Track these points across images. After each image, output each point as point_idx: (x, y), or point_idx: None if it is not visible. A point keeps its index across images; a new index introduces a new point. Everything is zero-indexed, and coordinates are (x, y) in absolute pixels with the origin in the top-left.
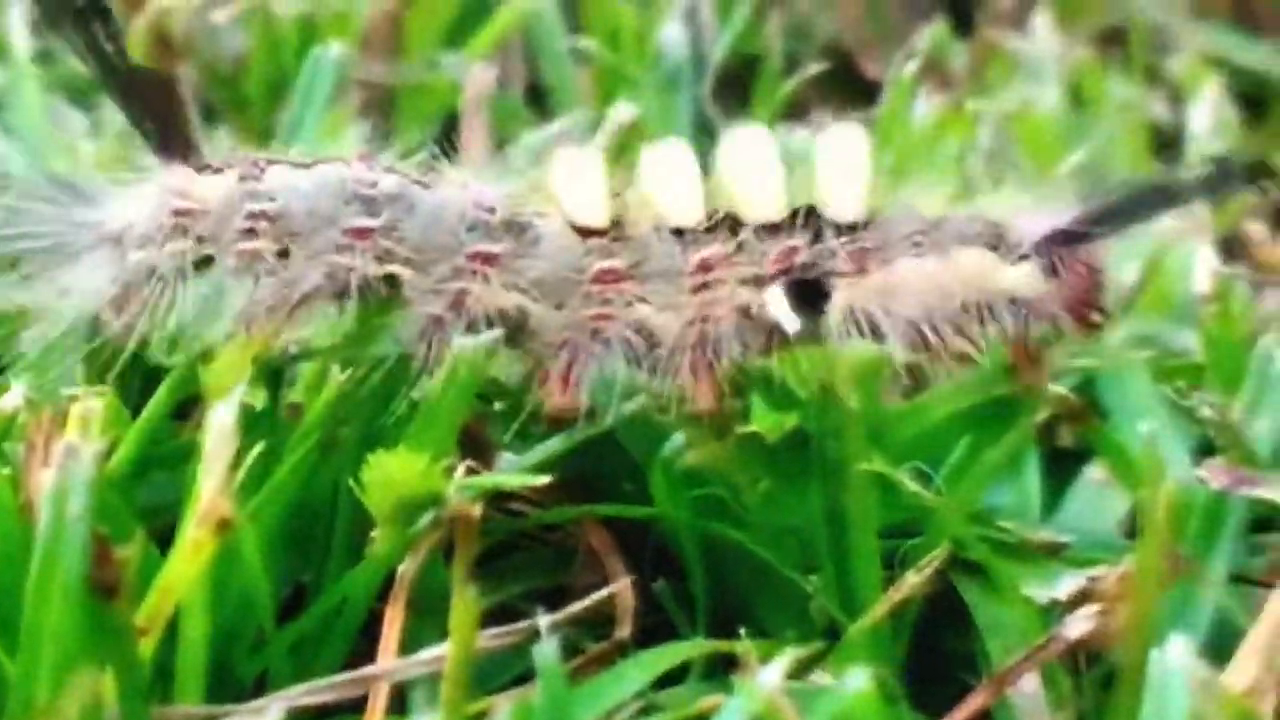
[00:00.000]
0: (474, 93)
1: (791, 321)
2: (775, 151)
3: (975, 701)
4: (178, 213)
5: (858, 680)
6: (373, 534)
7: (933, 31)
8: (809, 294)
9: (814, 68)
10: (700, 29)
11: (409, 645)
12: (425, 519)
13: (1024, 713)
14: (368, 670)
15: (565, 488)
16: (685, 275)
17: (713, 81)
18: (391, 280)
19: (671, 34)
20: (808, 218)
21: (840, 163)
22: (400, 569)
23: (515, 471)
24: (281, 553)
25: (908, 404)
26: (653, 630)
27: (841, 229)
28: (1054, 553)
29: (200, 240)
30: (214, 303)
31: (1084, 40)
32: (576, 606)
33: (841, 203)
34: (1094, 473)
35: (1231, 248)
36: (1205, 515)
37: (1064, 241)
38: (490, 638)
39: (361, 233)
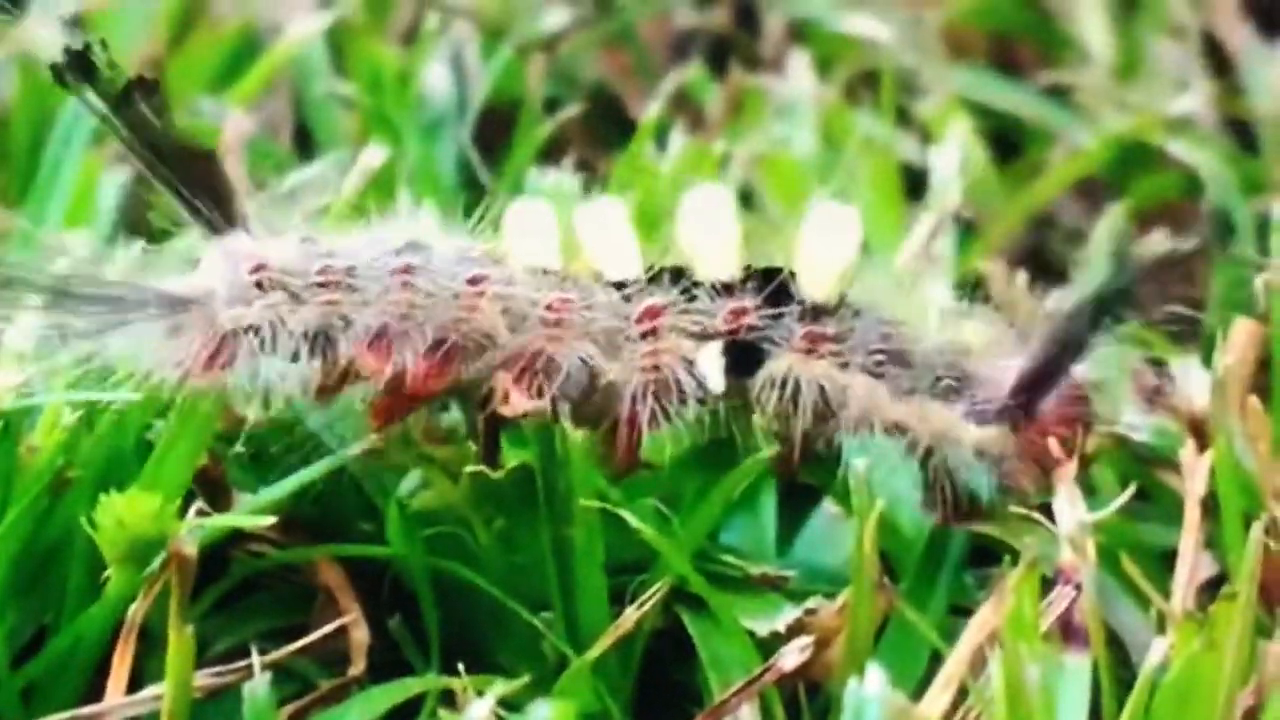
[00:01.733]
0: (232, 136)
1: (716, 382)
2: (731, 210)
3: None
4: (257, 269)
5: (543, 711)
6: (105, 574)
7: (689, 72)
8: (745, 358)
9: (574, 108)
10: (464, 72)
11: (143, 685)
12: (158, 560)
13: None
14: (87, 710)
15: (306, 528)
16: (630, 322)
17: (475, 124)
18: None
19: (435, 77)
20: (766, 283)
21: (824, 242)
22: (131, 609)
23: (248, 512)
24: (16, 595)
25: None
26: (390, 668)
27: (805, 308)
28: (776, 586)
29: (291, 296)
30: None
31: (839, 83)
32: (297, 644)
33: (814, 280)
34: (829, 508)
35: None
36: (927, 549)
37: (1028, 397)
38: (210, 676)
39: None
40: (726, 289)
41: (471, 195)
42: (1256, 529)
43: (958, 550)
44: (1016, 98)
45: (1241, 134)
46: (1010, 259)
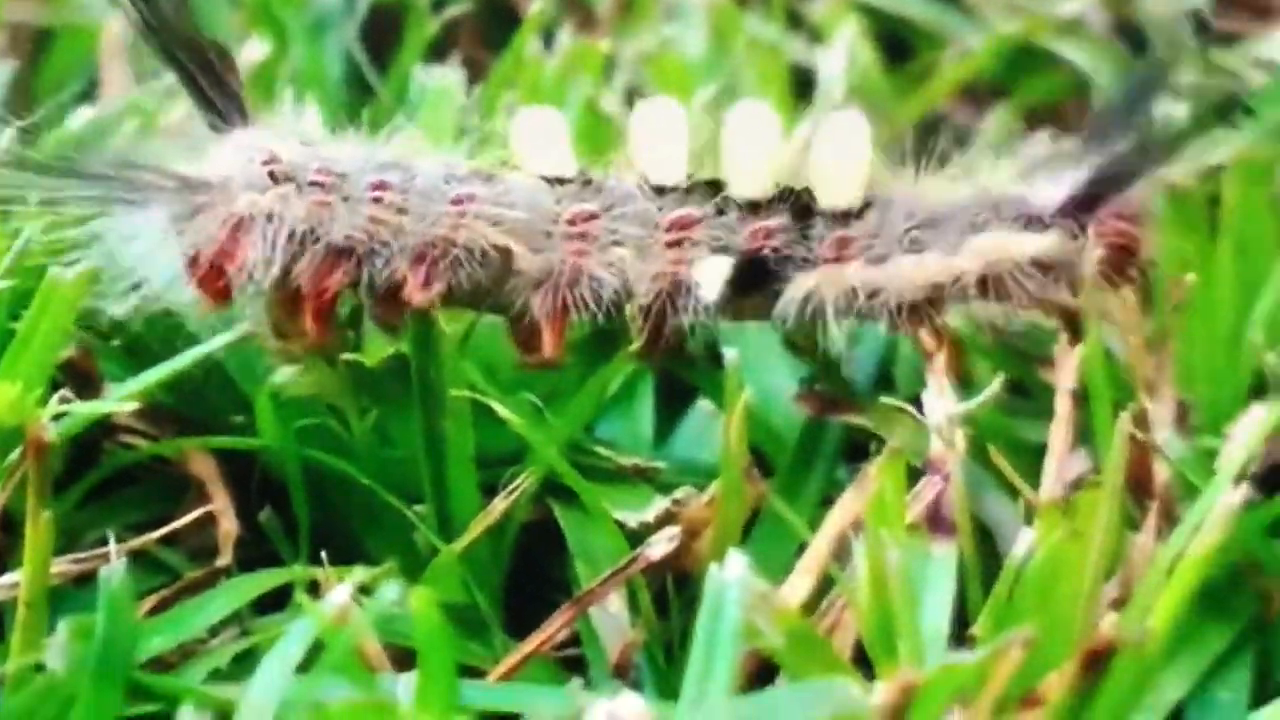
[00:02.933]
0: (112, 34)
1: (711, 292)
2: (775, 130)
3: (558, 620)
4: (269, 161)
5: (393, 591)
6: None
7: None
8: (759, 274)
9: (462, 7)
10: None
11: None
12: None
13: (606, 631)
14: None
15: (178, 420)
16: (660, 229)
17: (364, 23)
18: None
19: None
20: (795, 199)
21: (838, 148)
22: None
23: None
24: None
25: None
26: (263, 561)
27: (832, 217)
28: (648, 478)
29: (298, 188)
30: None
31: None
32: (159, 533)
33: (835, 189)
34: (705, 405)
35: None
36: (800, 442)
37: (1082, 206)
38: (69, 563)
39: (382, 185)
40: (754, 207)
41: (357, 94)
42: (1124, 420)
43: (831, 443)
44: (909, 1)
45: (1132, 35)
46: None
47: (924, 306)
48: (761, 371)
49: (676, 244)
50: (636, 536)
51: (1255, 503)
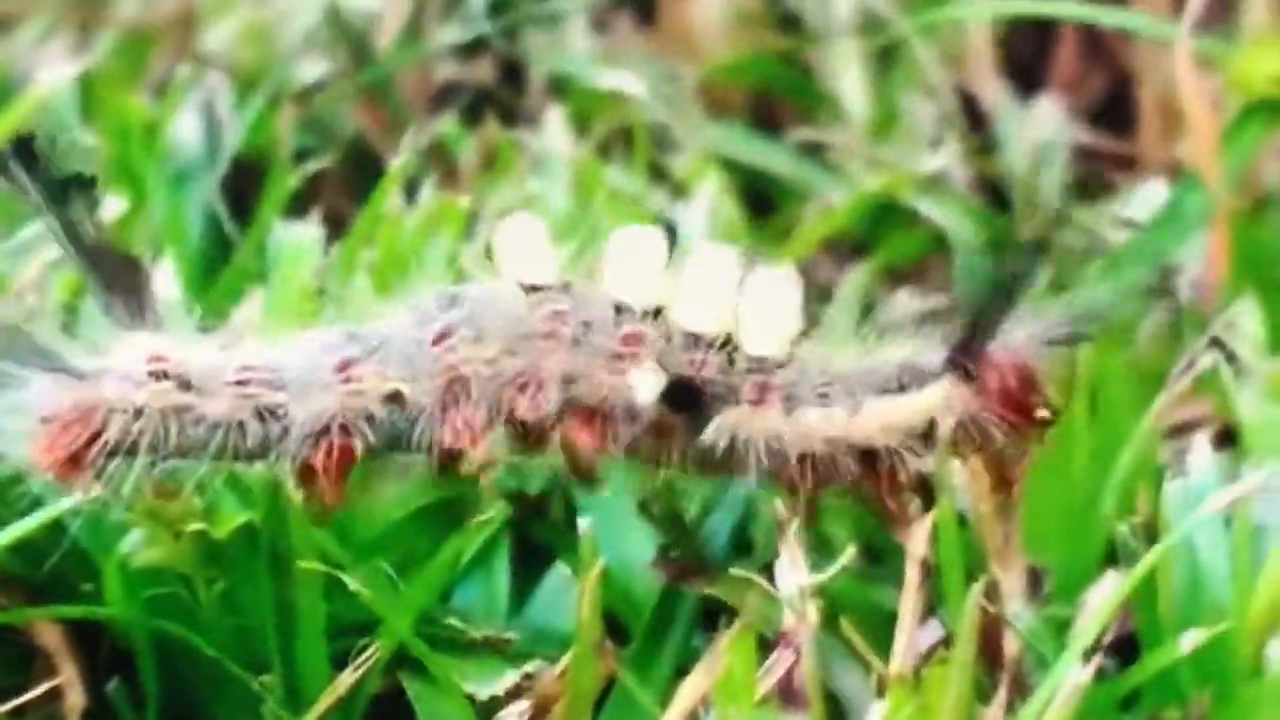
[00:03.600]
0: None
1: (646, 395)
2: (734, 276)
3: None
4: (154, 359)
5: None
6: None
7: (444, 125)
8: (684, 397)
9: (323, 161)
10: (216, 122)
11: None
12: None
13: None
14: None
15: (26, 588)
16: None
17: (230, 176)
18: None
19: (184, 127)
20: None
21: (769, 303)
22: None
23: None
24: None
25: (374, 500)
26: None
27: (753, 361)
28: (499, 650)
29: (184, 386)
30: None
31: (597, 138)
32: (7, 706)
33: (762, 339)
34: (562, 570)
35: None
36: (656, 610)
37: (966, 352)
38: None
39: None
40: (696, 339)
41: (218, 248)
42: (974, 591)
43: (687, 610)
44: (771, 154)
45: (996, 192)
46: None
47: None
48: (619, 537)
49: (622, 357)
50: (488, 709)
51: (1109, 675)
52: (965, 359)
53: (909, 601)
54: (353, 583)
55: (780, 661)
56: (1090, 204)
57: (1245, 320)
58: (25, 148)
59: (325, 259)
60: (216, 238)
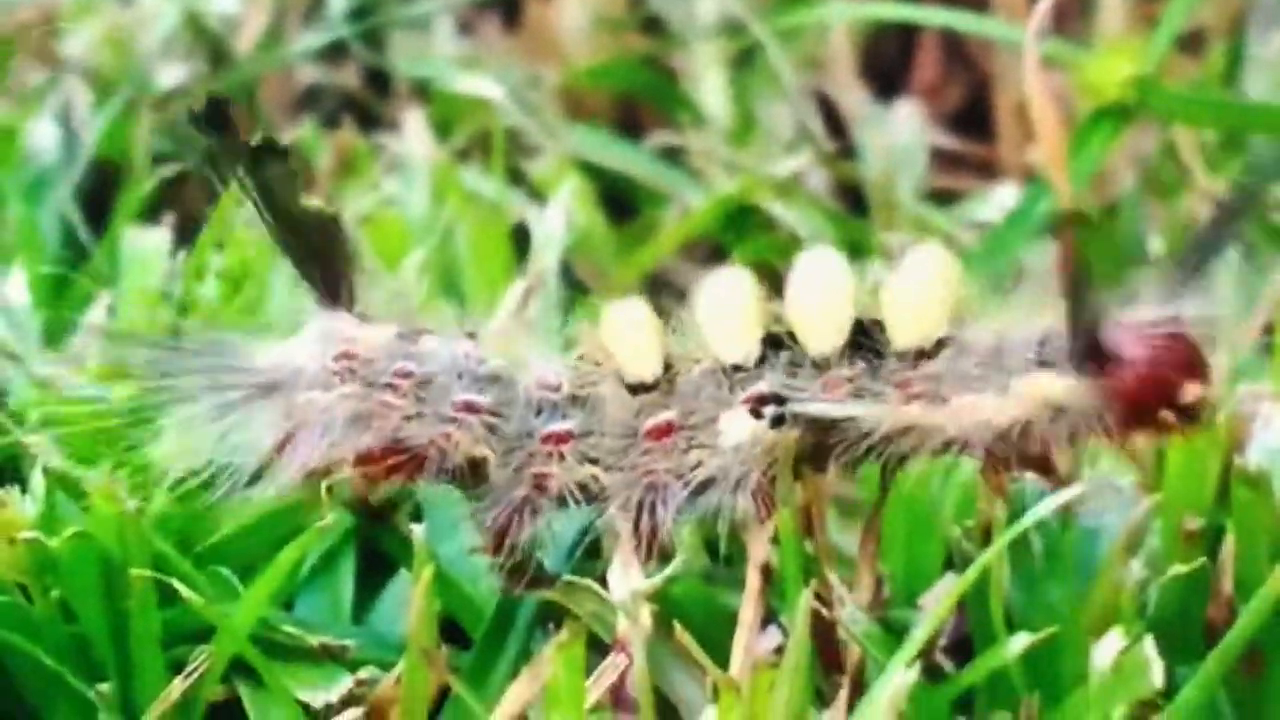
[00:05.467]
0: None
1: (734, 437)
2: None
3: None
4: (344, 356)
5: None
6: None
7: (301, 130)
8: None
9: (174, 167)
10: (73, 129)
11: None
12: None
13: None
14: None
15: None
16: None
17: (90, 183)
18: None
19: (41, 134)
20: (862, 341)
21: (922, 287)
22: None
23: None
24: None
25: (219, 507)
26: None
27: (901, 356)
28: (336, 656)
29: (367, 385)
30: None
31: (459, 142)
32: None
33: (907, 329)
34: (406, 576)
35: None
36: (495, 616)
37: (1084, 344)
38: None
39: (470, 407)
40: (824, 361)
41: (74, 255)
42: (805, 595)
43: (525, 618)
44: (631, 158)
45: (857, 196)
46: None
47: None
48: (460, 544)
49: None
50: (324, 717)
51: (946, 676)
52: (1081, 353)
53: (748, 607)
54: (185, 590)
55: (612, 667)
56: (948, 208)
57: None
58: (218, 110)
59: (172, 265)
60: (72, 244)
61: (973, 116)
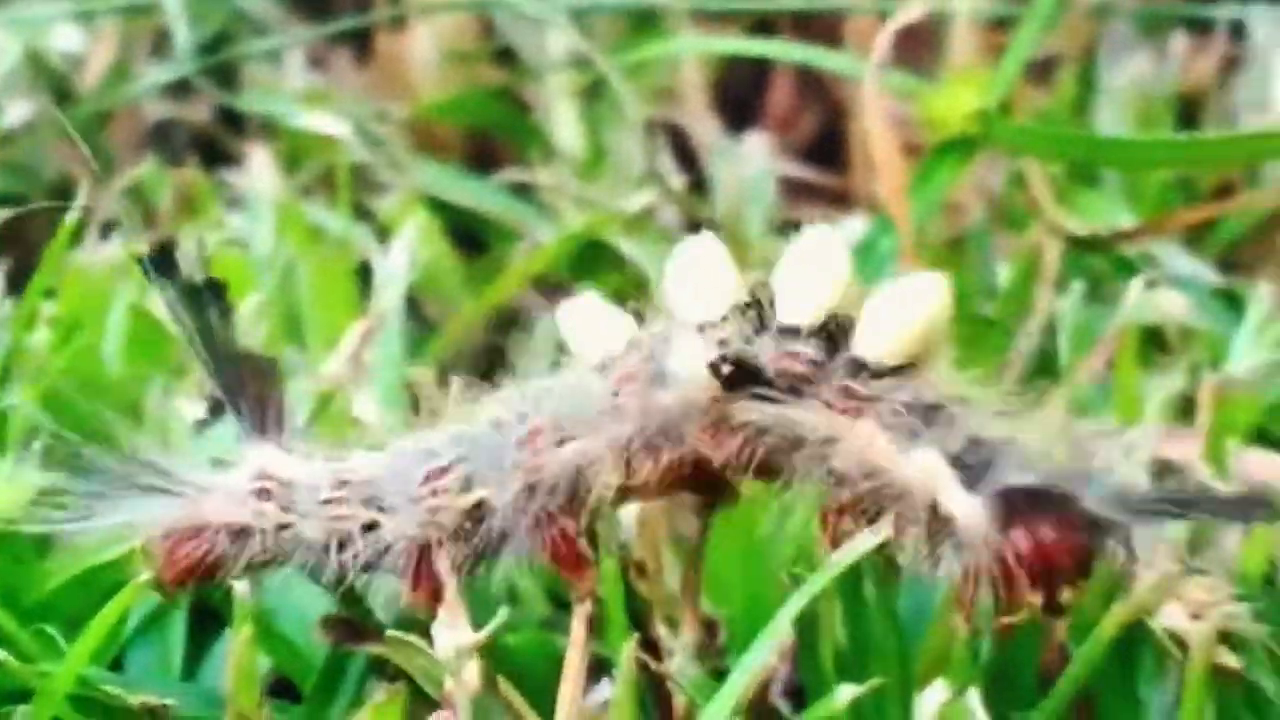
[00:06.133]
0: None
1: (685, 366)
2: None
3: None
4: (260, 477)
5: None
6: None
7: (144, 168)
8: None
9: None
10: None
11: None
12: None
13: None
14: None
15: None
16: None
17: None
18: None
19: None
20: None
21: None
22: None
23: None
24: None
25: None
26: None
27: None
28: (156, 715)
29: (284, 509)
30: None
31: (306, 179)
32: None
33: (878, 344)
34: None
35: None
36: (325, 671)
37: (1032, 503)
38: None
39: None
40: (792, 332)
41: None
42: (629, 647)
43: (355, 673)
44: (481, 193)
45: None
46: (472, 356)
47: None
48: (292, 597)
49: None
50: None
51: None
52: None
53: (574, 657)
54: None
55: None
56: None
57: None
58: (165, 255)
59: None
60: None
61: (828, 147)
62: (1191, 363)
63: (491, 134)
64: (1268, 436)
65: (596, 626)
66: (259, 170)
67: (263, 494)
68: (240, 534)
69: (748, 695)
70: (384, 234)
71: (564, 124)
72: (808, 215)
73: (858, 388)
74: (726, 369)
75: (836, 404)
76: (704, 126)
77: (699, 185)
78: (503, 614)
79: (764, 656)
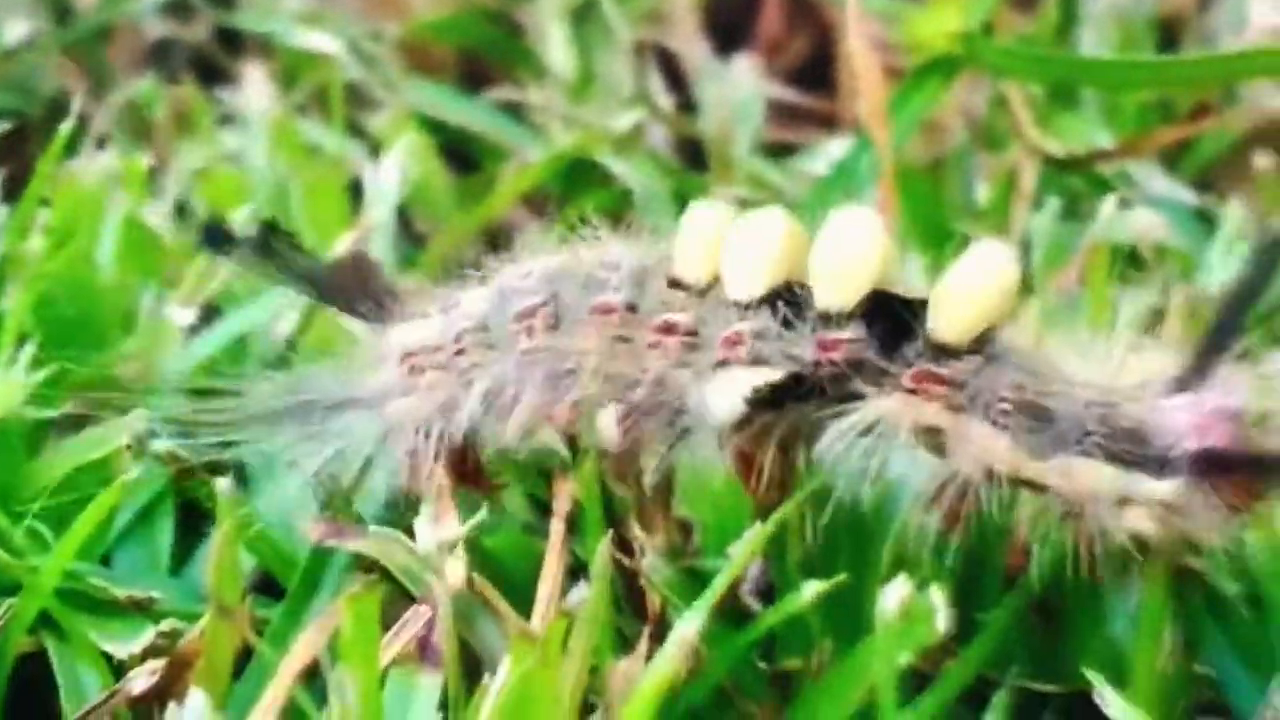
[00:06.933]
0: None
1: (720, 411)
2: (877, 236)
3: None
4: (407, 357)
5: None
6: None
7: (141, 84)
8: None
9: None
10: None
11: None
12: None
13: None
14: None
15: None
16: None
17: None
18: None
19: None
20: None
21: (971, 279)
22: None
23: None
24: None
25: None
26: None
27: (927, 346)
28: (143, 608)
29: (439, 370)
30: None
31: (301, 97)
32: None
33: (948, 322)
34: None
35: None
36: (308, 567)
37: (1217, 463)
38: None
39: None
40: (834, 318)
41: None
42: (603, 545)
43: (338, 570)
44: (471, 113)
45: (696, 151)
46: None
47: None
48: (274, 491)
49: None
50: (128, 669)
51: (747, 619)
52: (1210, 471)
53: (553, 557)
54: None
55: (416, 619)
56: (784, 161)
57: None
58: (215, 231)
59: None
60: None
61: (817, 70)
62: (1165, 279)
63: (483, 54)
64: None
65: (576, 530)
66: (254, 88)
67: (415, 371)
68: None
69: (720, 596)
70: (376, 151)
71: (555, 45)
72: (795, 137)
73: (940, 371)
74: (761, 395)
75: (906, 391)
76: (694, 49)
77: (688, 107)
78: (483, 512)
79: (741, 558)
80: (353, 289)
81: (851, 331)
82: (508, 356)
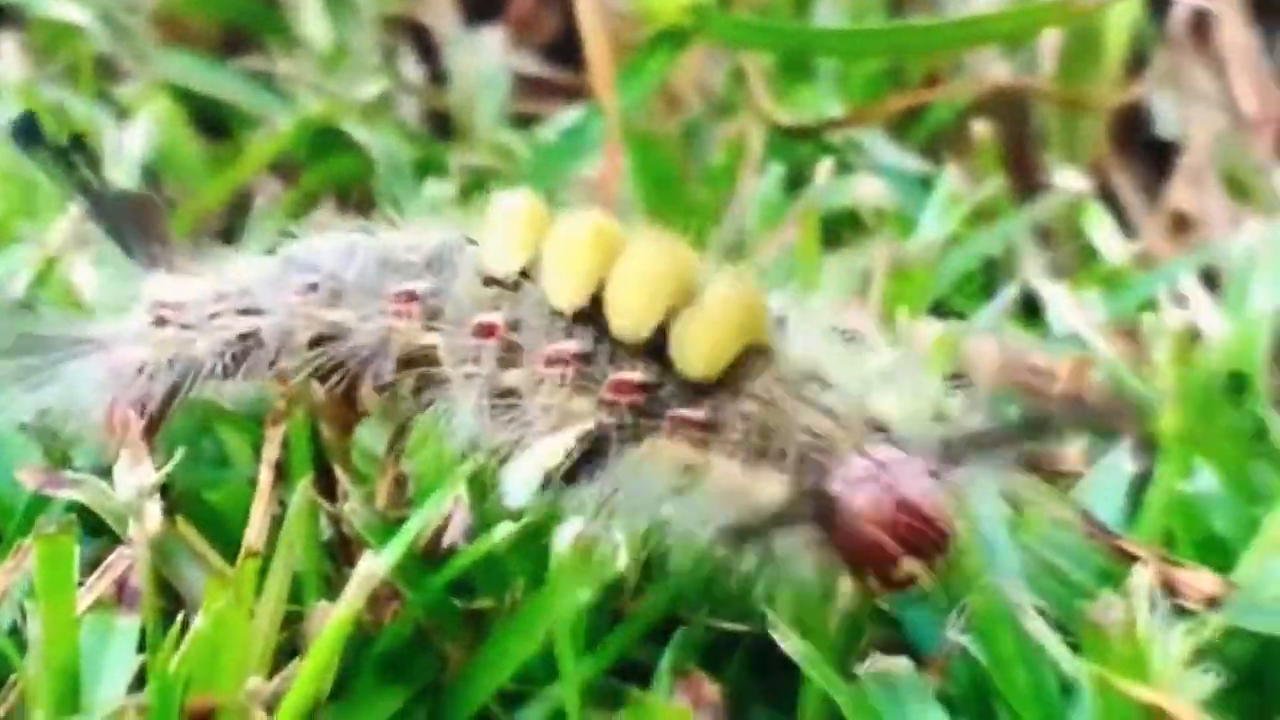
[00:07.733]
0: None
1: (516, 495)
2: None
3: None
4: (157, 307)
5: None
6: None
7: None
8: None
9: None
10: None
11: None
12: None
13: None
14: None
15: None
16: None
17: None
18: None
19: None
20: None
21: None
22: None
23: None
24: None
25: None
26: None
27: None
28: None
29: (183, 328)
30: None
31: (58, 68)
32: None
33: (696, 358)
34: None
35: None
36: (25, 512)
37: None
38: None
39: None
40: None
41: None
42: (302, 484)
43: (57, 516)
44: (222, 82)
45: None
46: (211, 235)
47: None
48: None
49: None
50: None
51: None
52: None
53: (259, 504)
54: None
55: (119, 562)
56: (523, 130)
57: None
58: (29, 124)
59: None
60: None
61: (567, 46)
62: (876, 242)
63: (241, 26)
64: (947, 308)
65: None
66: (6, 56)
67: (160, 322)
68: (161, 367)
69: (421, 540)
70: (125, 119)
71: (309, 16)
72: (544, 110)
73: (693, 415)
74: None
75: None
76: (444, 22)
77: (439, 79)
78: (180, 454)
79: (434, 502)
80: (133, 225)
81: (641, 373)
82: (266, 319)
